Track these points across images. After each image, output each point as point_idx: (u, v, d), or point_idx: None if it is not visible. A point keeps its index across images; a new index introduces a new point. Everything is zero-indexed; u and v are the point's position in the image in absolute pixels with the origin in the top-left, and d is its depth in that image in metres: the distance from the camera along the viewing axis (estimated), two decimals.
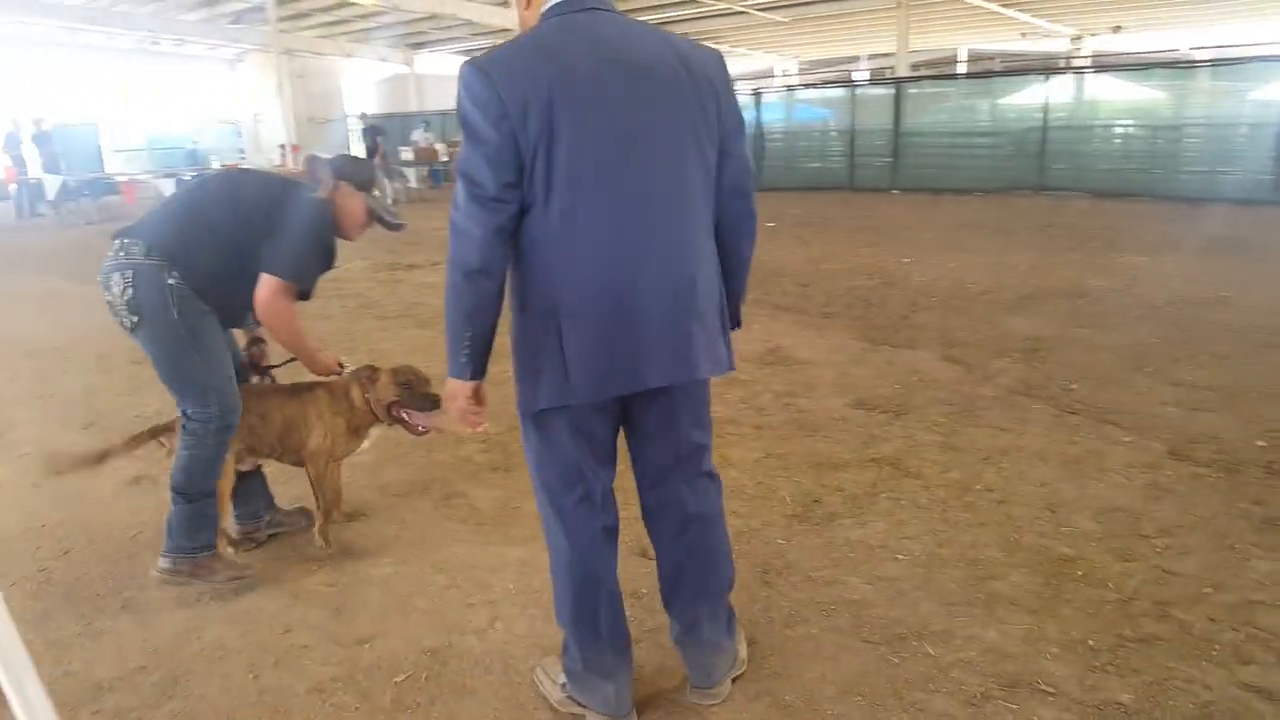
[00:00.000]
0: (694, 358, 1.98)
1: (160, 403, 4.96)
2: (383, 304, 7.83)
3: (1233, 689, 2.26)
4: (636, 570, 2.96)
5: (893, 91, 17.44)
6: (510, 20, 22.92)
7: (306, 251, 2.92)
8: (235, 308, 2.96)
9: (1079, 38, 24.65)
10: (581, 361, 1.90)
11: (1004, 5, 20.27)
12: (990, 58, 27.24)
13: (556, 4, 1.90)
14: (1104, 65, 18.42)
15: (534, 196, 1.84)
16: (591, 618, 2.17)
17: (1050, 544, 3.07)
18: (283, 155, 21.55)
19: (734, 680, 2.38)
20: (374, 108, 31.28)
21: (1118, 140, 15.18)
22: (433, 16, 22.95)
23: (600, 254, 1.88)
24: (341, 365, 3.25)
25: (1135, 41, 25.00)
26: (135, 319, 2.81)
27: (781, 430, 4.37)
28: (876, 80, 22.57)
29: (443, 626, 2.73)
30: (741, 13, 22.37)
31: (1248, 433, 4.01)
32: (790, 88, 23.38)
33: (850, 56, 31.55)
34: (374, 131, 17.36)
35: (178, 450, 2.92)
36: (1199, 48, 22.27)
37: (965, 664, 2.43)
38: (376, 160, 17.21)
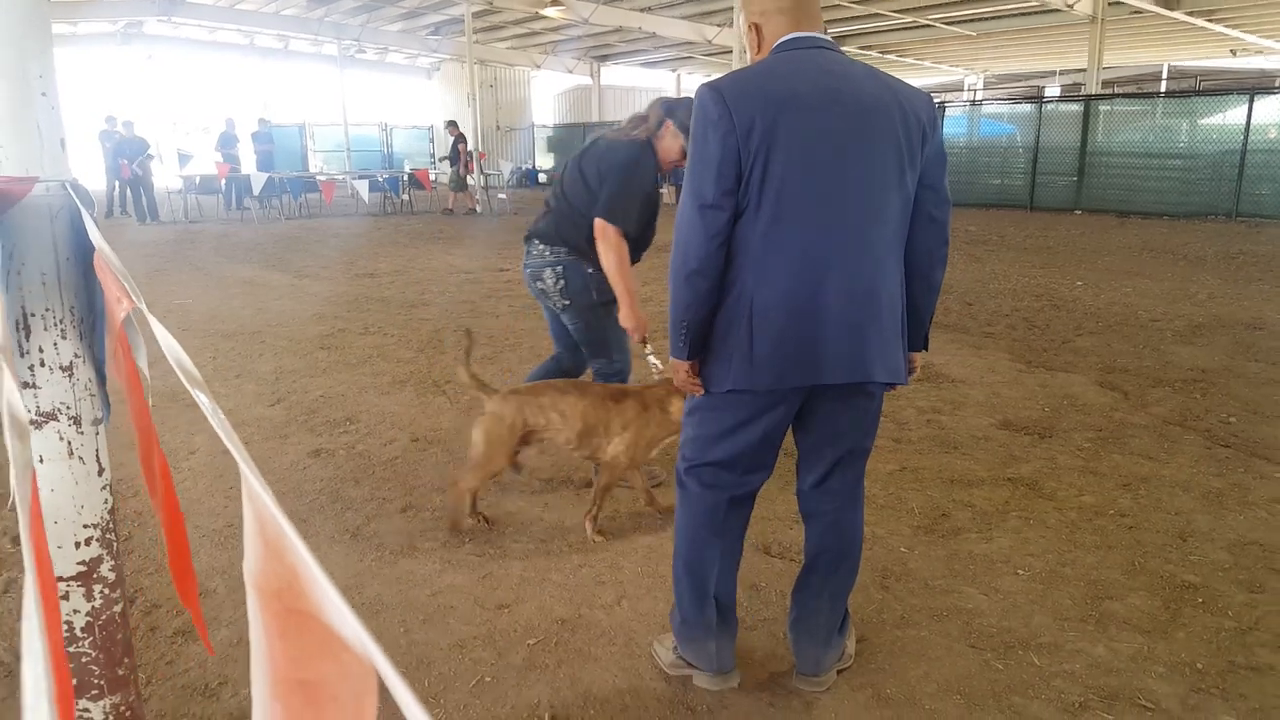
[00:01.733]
0: (868, 360, 2.14)
1: (344, 386, 5.54)
2: None
3: None
4: (758, 565, 3.15)
5: (1082, 108, 16.73)
6: (694, 34, 23.53)
7: (620, 194, 3.43)
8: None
9: None
10: (766, 352, 2.10)
11: (1210, 20, 18.99)
12: (1192, 75, 25.54)
13: (786, 41, 2.13)
14: None
15: (747, 203, 2.06)
16: (702, 571, 2.38)
17: (1175, 570, 3.04)
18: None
19: (839, 672, 2.54)
20: (557, 118, 32.59)
21: None
22: (619, 29, 23.74)
23: (794, 258, 2.08)
24: (645, 342, 3.62)
25: None
26: (566, 303, 3.68)
27: (920, 445, 4.43)
28: (1064, 97, 21.60)
29: (574, 600, 2.98)
30: (927, 26, 21.97)
31: None
32: (974, 102, 22.76)
33: (1042, 72, 30.29)
34: (459, 139, 18.62)
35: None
36: None
37: (1068, 675, 2.49)
38: (459, 166, 18.56)
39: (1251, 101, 14.36)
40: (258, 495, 0.62)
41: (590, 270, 3.60)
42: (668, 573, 3.10)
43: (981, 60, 28.91)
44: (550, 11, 21.61)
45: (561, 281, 3.65)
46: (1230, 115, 14.91)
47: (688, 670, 2.50)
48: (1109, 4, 17.42)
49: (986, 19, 20.85)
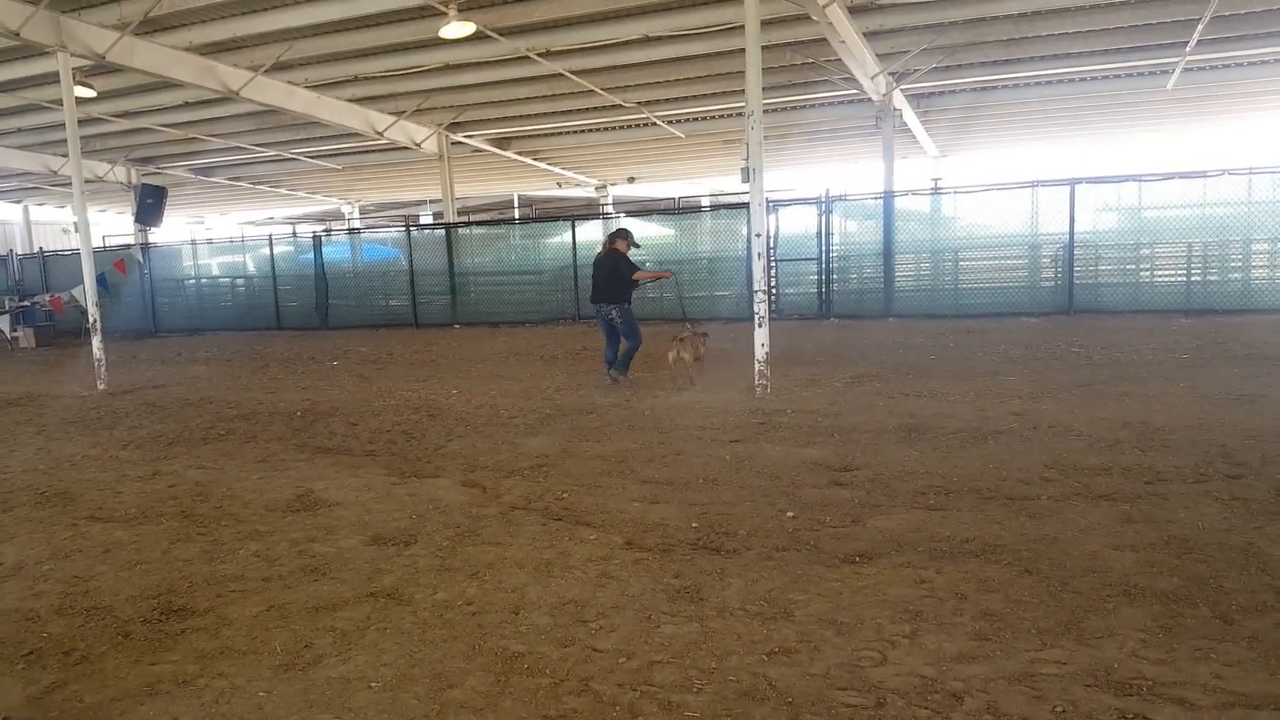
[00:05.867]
0: None
1: None
2: None
3: None
4: None
5: (444, 234, 18.42)
6: (36, 165, 21.00)
7: (629, 268, 9.38)
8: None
9: (603, 186, 28.01)
10: None
11: (536, 159, 22.43)
12: (530, 204, 29.91)
13: None
14: (628, 211, 21.19)
15: None
16: None
17: (508, 644, 3.34)
18: None
19: None
20: None
21: None
22: None
23: None
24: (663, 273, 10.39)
25: (648, 190, 29.17)
26: (622, 320, 9.31)
27: (289, 579, 4.28)
28: (431, 224, 23.60)
29: None
30: (291, 159, 22.32)
31: (687, 516, 4.75)
32: (352, 230, 23.64)
33: (417, 200, 32.59)
34: None
35: (625, 349, 9.44)
36: (691, 196, 26.65)
37: None
38: None
39: (574, 225, 17.31)
40: None
41: (627, 306, 9.35)
42: None
43: (355, 190, 30.22)
44: None
45: (619, 312, 9.28)
46: (565, 236, 17.65)
47: None
48: (451, 144, 19.56)
49: (348, 154, 21.93)
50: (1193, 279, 14.13)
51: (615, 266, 9.29)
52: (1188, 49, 13.54)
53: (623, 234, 9.53)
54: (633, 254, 9.62)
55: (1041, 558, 4.00)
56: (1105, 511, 4.62)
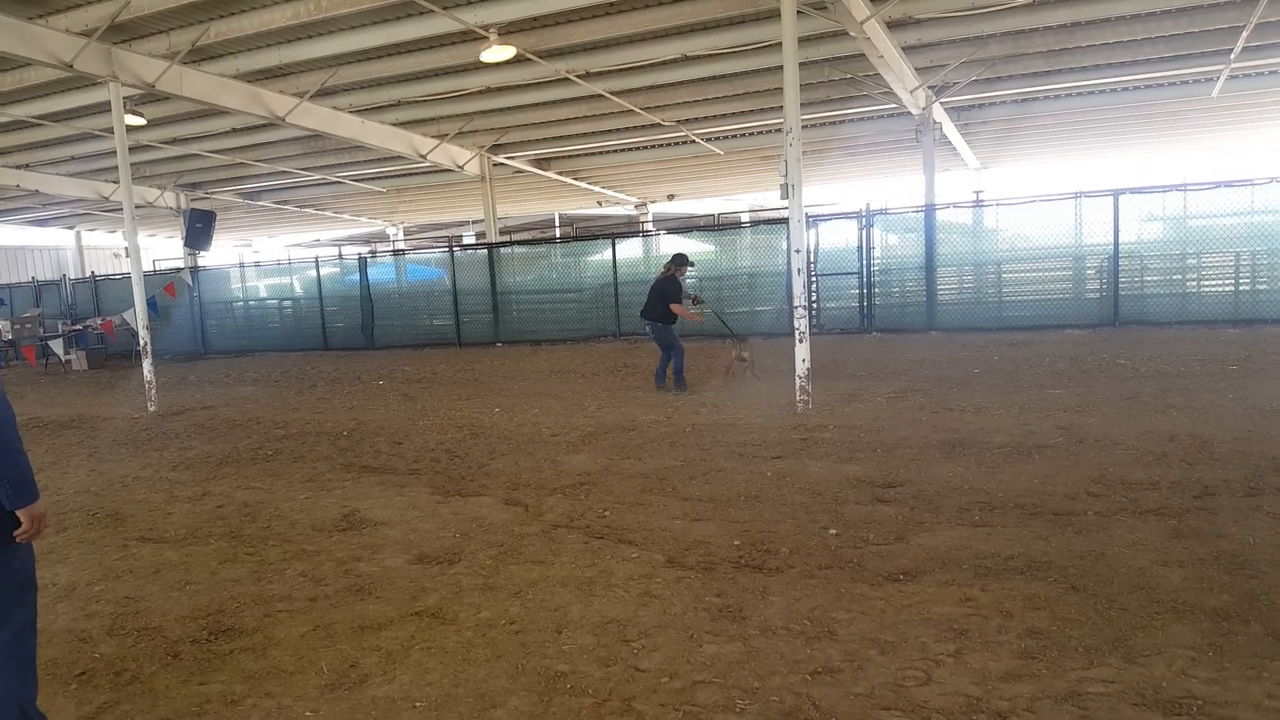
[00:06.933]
0: None
1: None
2: None
3: None
4: None
5: (487, 254, 18.62)
6: (88, 192, 21.60)
7: (675, 293, 10.33)
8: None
9: (643, 204, 28.16)
10: None
11: (577, 178, 22.62)
12: (570, 223, 30.15)
13: None
14: (669, 228, 21.29)
15: None
16: None
17: (551, 663, 3.37)
18: None
19: None
20: None
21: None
22: None
23: None
24: (698, 300, 11.20)
25: (687, 206, 29.29)
26: (665, 334, 10.37)
27: (335, 599, 4.35)
28: (473, 244, 23.87)
29: None
30: (338, 182, 22.74)
31: (729, 534, 4.74)
32: (396, 251, 24.02)
33: (459, 221, 33.00)
34: None
35: (675, 362, 10.44)
36: (730, 212, 26.71)
37: None
38: None
39: (614, 243, 17.39)
40: None
41: (669, 325, 10.32)
42: None
43: (399, 212, 30.68)
44: None
45: (653, 328, 10.43)
46: (606, 254, 17.76)
47: None
48: (494, 165, 19.80)
49: (393, 177, 22.29)
50: (1241, 288, 13.82)
51: (662, 288, 10.41)
52: (1232, 56, 13.29)
53: (680, 260, 10.63)
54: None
55: (1088, 574, 3.94)
56: (1153, 527, 4.53)
